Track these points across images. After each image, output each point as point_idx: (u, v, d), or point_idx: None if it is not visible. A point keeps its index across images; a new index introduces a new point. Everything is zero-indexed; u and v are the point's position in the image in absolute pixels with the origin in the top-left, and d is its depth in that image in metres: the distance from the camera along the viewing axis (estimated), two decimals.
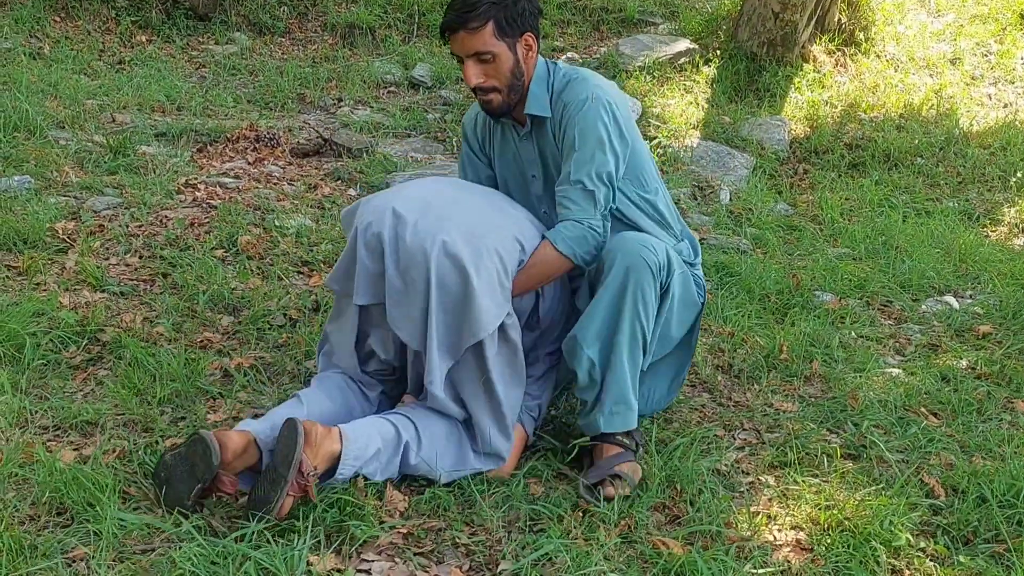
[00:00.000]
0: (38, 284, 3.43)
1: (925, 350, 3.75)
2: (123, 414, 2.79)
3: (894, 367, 3.56)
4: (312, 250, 4.00)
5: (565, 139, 2.72)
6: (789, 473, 2.75)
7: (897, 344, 3.82)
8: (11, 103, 4.85)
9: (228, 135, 5.21)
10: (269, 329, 3.39)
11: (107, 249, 3.79)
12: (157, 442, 2.65)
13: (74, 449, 2.60)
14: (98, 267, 3.57)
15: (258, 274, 3.77)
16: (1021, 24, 7.93)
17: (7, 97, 4.97)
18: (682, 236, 2.98)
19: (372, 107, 6.24)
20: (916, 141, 6.25)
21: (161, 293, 3.52)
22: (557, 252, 2.64)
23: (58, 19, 6.55)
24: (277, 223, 4.15)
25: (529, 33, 2.69)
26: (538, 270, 2.65)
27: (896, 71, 7.17)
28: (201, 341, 3.26)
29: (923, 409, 3.21)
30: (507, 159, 2.91)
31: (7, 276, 3.46)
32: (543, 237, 2.68)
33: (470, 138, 2.99)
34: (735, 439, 2.99)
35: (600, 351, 2.66)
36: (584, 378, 2.69)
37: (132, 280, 3.60)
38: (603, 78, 2.84)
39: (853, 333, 3.82)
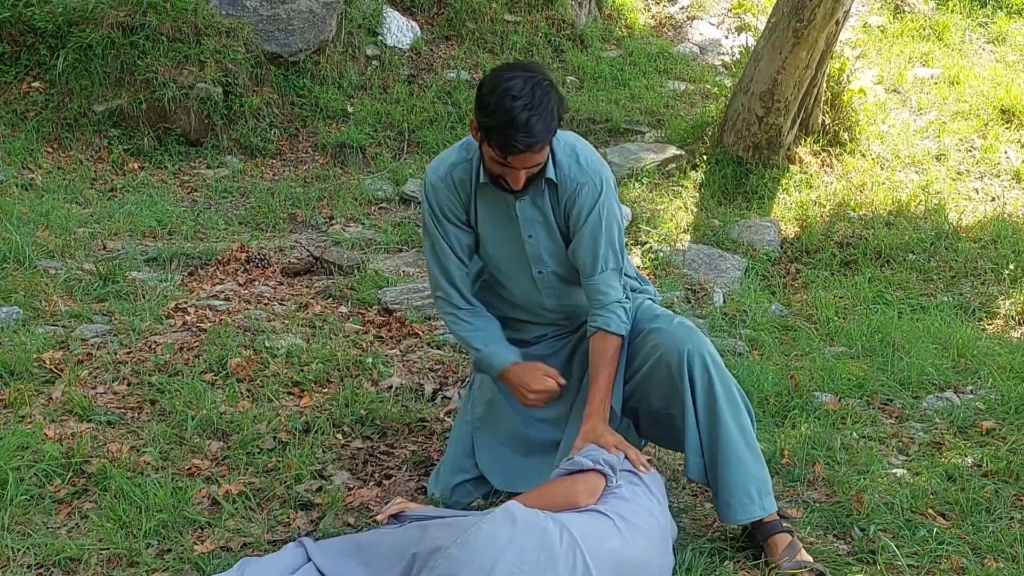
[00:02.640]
0: (23, 416, 3.37)
1: (929, 448, 3.68)
2: (107, 549, 2.71)
3: (898, 467, 3.49)
4: (303, 370, 3.95)
5: (578, 212, 2.82)
6: None
7: (900, 443, 3.75)
8: (1, 234, 4.87)
9: (219, 257, 5.22)
10: (259, 453, 3.32)
11: (95, 377, 3.74)
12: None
13: None
14: (85, 396, 3.53)
15: (248, 397, 3.72)
16: (1003, 119, 8.05)
17: None
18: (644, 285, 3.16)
19: (363, 224, 6.28)
20: (907, 237, 6.27)
21: (148, 420, 3.47)
22: (619, 337, 2.85)
23: (50, 150, 6.63)
24: (267, 344, 4.12)
25: None
26: (613, 360, 2.83)
27: (882, 169, 7.24)
28: (189, 468, 3.19)
29: (930, 510, 3.13)
30: (497, 220, 2.90)
31: None
32: (595, 328, 2.84)
33: (448, 204, 2.90)
34: (737, 555, 2.90)
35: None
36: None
37: (119, 408, 3.55)
38: (589, 144, 2.93)
39: (855, 434, 3.75)
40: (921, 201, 6.78)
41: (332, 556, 2.55)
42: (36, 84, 6.92)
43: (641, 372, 2.89)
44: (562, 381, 2.93)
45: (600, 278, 2.87)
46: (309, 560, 2.55)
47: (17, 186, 5.94)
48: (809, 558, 2.76)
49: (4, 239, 4.81)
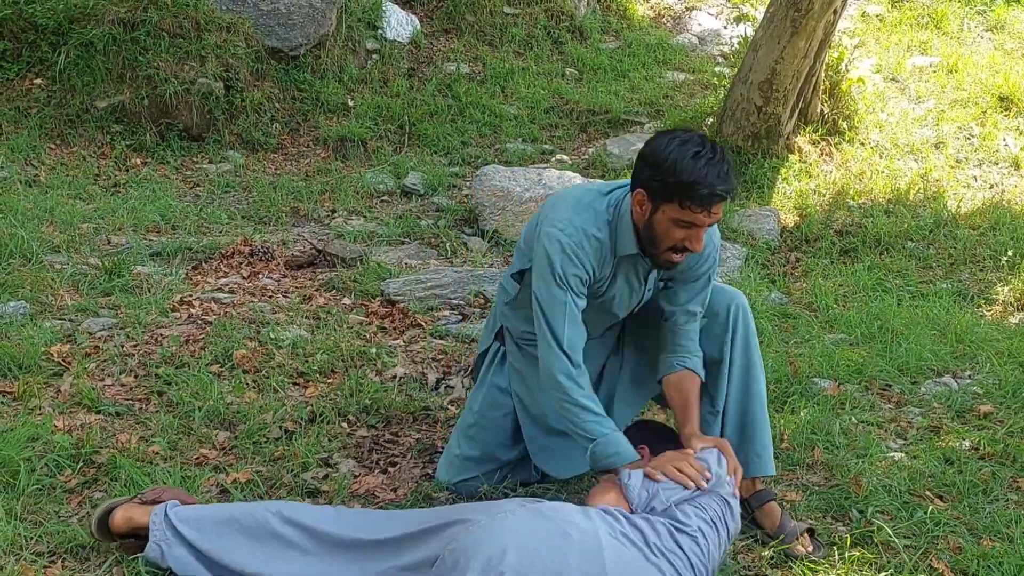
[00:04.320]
0: (33, 409, 3.42)
1: (927, 432, 3.72)
2: None
3: (896, 451, 3.54)
4: (308, 361, 4.00)
5: (690, 267, 2.87)
6: (797, 565, 2.70)
7: (898, 428, 3.79)
8: (6, 230, 4.91)
9: (223, 251, 5.26)
10: (266, 442, 3.37)
11: (102, 370, 3.79)
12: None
13: (70, 575, 2.56)
14: (93, 388, 3.57)
15: (254, 387, 3.76)
16: (1001, 107, 8.09)
17: (3, 224, 5.03)
18: None
19: (366, 217, 6.32)
20: (905, 225, 6.31)
21: (156, 412, 3.51)
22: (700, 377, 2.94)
23: (54, 146, 6.67)
24: (272, 335, 4.16)
25: None
26: (698, 399, 2.90)
27: (881, 158, 7.27)
28: (197, 458, 3.24)
29: (928, 492, 3.18)
30: (623, 290, 2.89)
31: (1, 402, 3.45)
32: (684, 368, 2.91)
33: (587, 270, 2.78)
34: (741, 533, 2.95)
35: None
36: None
37: (127, 400, 3.59)
38: None
39: (853, 419, 3.80)
40: (920, 189, 6.82)
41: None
42: (38, 81, 6.96)
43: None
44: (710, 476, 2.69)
45: (693, 326, 2.94)
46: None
47: (21, 182, 5.98)
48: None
49: (10, 235, 4.85)
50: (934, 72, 8.72)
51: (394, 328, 4.49)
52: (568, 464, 3.05)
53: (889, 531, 2.84)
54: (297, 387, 3.83)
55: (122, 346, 3.97)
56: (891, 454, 3.49)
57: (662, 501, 2.55)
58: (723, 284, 3.09)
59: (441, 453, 3.29)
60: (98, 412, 3.46)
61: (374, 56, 8.30)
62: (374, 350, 4.13)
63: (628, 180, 2.78)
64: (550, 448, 3.08)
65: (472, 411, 3.18)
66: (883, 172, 7.04)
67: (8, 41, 6.98)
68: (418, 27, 8.71)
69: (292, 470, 3.19)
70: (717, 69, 8.77)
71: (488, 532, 2.31)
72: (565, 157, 7.42)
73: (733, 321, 2.95)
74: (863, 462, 3.38)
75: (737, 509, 2.69)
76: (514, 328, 3.09)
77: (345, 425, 3.55)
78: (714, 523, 2.51)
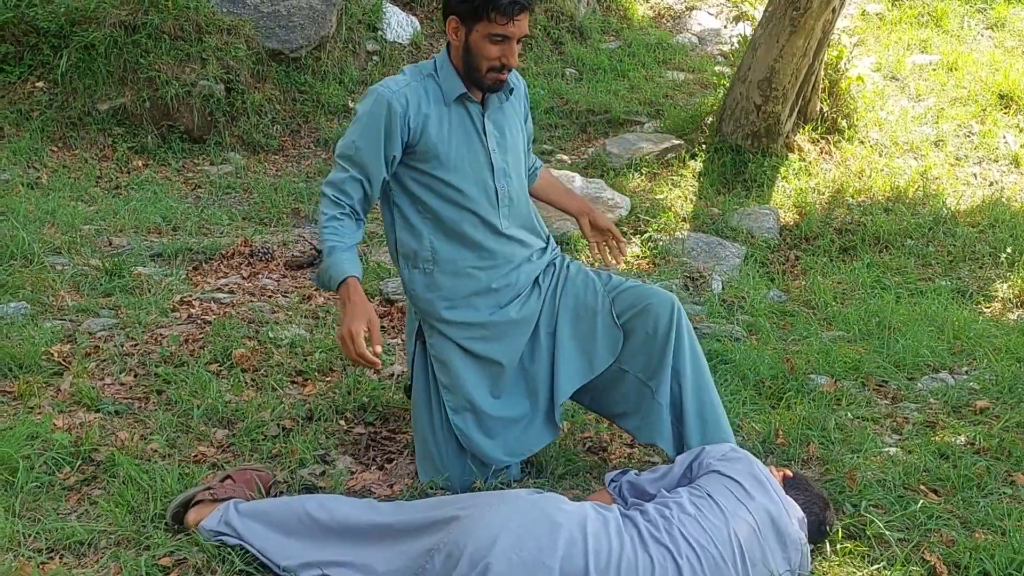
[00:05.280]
0: (32, 407, 3.45)
1: (922, 428, 3.73)
2: (116, 532, 2.77)
3: (892, 446, 3.55)
4: (306, 360, 4.02)
5: (525, 112, 3.19)
6: None
7: (894, 423, 3.81)
8: (8, 232, 4.94)
9: (223, 252, 5.29)
10: (263, 440, 3.39)
11: (102, 369, 3.81)
12: (153, 558, 2.64)
13: (68, 570, 2.58)
14: (93, 388, 3.60)
15: (252, 386, 3.78)
16: (1001, 104, 8.09)
17: (4, 226, 5.06)
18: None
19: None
20: (905, 223, 6.31)
21: (155, 410, 3.54)
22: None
23: (55, 149, 6.71)
24: (271, 335, 4.19)
25: None
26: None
27: (881, 156, 7.28)
28: (195, 455, 3.26)
29: (922, 487, 3.19)
30: (460, 139, 2.97)
31: (1, 401, 3.48)
32: (537, 171, 3.39)
33: (397, 116, 2.88)
34: None
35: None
36: None
37: (127, 399, 3.62)
38: None
39: (849, 414, 3.81)
40: (919, 187, 6.83)
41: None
42: (40, 84, 6.99)
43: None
44: (377, 362, 2.81)
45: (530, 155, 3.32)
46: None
47: (23, 185, 6.02)
48: None
49: (11, 236, 4.88)
50: (934, 70, 8.73)
51: (392, 327, 4.51)
52: (507, 447, 3.10)
53: (880, 524, 2.85)
54: (296, 385, 3.86)
55: (122, 346, 4.00)
56: (886, 449, 3.50)
57: (650, 492, 2.58)
58: (651, 286, 3.15)
59: None
60: (97, 411, 3.48)
61: (374, 57, 8.33)
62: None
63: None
64: (480, 437, 3.09)
65: (420, 438, 3.17)
66: (882, 170, 7.05)
67: (10, 44, 7.01)
68: (418, 28, 8.74)
69: (289, 467, 3.22)
70: (717, 68, 8.79)
71: (479, 523, 2.34)
72: (565, 157, 7.44)
73: (677, 326, 3.03)
74: (858, 457, 3.40)
75: (771, 490, 2.63)
76: (416, 290, 3.06)
77: (343, 423, 3.57)
78: (711, 497, 2.52)
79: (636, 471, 2.80)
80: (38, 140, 6.66)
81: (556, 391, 3.07)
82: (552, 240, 3.23)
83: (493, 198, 3.01)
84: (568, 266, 3.18)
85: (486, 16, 2.80)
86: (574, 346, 3.09)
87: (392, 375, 3.96)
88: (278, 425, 3.49)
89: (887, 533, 2.82)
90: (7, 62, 7.01)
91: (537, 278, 3.11)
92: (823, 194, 6.75)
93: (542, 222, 3.22)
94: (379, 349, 2.79)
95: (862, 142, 7.39)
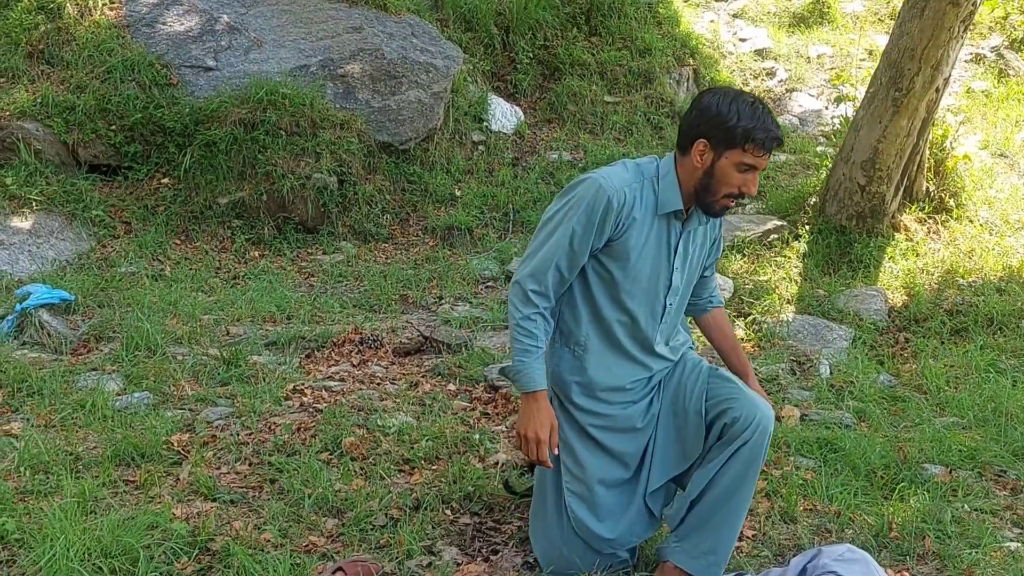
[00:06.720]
0: (153, 496, 3.59)
1: None
2: None
3: (1012, 540, 3.43)
4: (413, 447, 4.10)
5: (717, 241, 3.25)
6: None
7: (1015, 516, 3.68)
8: (134, 324, 5.20)
9: (334, 339, 5.46)
10: (371, 530, 3.46)
11: (219, 458, 3.96)
12: None
13: None
14: (210, 476, 3.73)
15: (361, 475, 3.87)
16: None
17: (131, 318, 5.33)
18: None
19: (471, 303, 6.47)
20: (1020, 303, 6.15)
21: (268, 499, 3.65)
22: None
23: (178, 242, 7.05)
24: (379, 423, 4.29)
25: None
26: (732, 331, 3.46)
27: (991, 234, 7.13)
28: (306, 545, 3.35)
29: None
30: (653, 251, 3.00)
31: (125, 491, 3.64)
32: (712, 306, 3.40)
33: (612, 213, 2.90)
34: None
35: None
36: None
37: (241, 487, 3.74)
38: None
39: (966, 506, 3.71)
40: None
41: None
42: (165, 180, 7.39)
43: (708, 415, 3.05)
44: (550, 464, 3.01)
45: (711, 282, 3.37)
46: None
47: (148, 277, 6.33)
48: None
49: (136, 328, 5.14)
50: None
51: (496, 413, 4.57)
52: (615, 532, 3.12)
53: None
54: (403, 474, 3.93)
55: (238, 434, 4.15)
56: (1007, 544, 3.39)
57: None
58: (755, 395, 3.04)
59: None
60: (214, 500, 3.61)
61: (480, 147, 8.55)
62: (477, 436, 4.21)
63: (651, 156, 3.06)
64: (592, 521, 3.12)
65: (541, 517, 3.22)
66: (994, 249, 6.89)
67: (138, 144, 7.44)
68: (522, 118, 8.96)
69: (397, 557, 3.27)
70: (819, 149, 8.75)
71: None
72: None
73: (752, 433, 2.91)
74: (976, 552, 3.30)
75: None
76: (560, 367, 3.13)
77: (448, 512, 3.62)
78: None
79: (753, 572, 2.77)
80: (163, 234, 7.01)
81: (650, 479, 3.12)
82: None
83: (658, 313, 3.07)
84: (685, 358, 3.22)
85: (742, 146, 2.82)
86: (671, 437, 3.13)
87: (496, 463, 4.01)
88: (386, 514, 3.56)
89: None
90: (136, 160, 7.44)
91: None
92: (932, 274, 6.63)
93: (688, 326, 3.33)
94: (556, 451, 2.99)
95: (971, 221, 7.25)
